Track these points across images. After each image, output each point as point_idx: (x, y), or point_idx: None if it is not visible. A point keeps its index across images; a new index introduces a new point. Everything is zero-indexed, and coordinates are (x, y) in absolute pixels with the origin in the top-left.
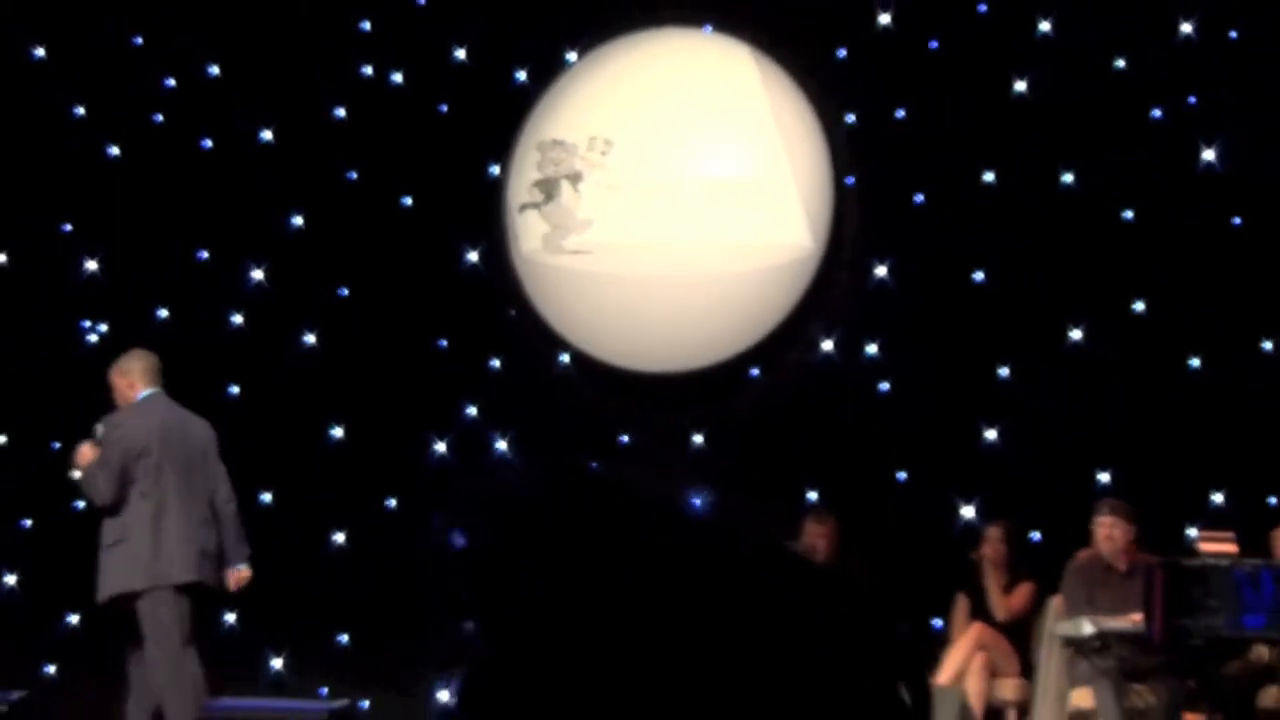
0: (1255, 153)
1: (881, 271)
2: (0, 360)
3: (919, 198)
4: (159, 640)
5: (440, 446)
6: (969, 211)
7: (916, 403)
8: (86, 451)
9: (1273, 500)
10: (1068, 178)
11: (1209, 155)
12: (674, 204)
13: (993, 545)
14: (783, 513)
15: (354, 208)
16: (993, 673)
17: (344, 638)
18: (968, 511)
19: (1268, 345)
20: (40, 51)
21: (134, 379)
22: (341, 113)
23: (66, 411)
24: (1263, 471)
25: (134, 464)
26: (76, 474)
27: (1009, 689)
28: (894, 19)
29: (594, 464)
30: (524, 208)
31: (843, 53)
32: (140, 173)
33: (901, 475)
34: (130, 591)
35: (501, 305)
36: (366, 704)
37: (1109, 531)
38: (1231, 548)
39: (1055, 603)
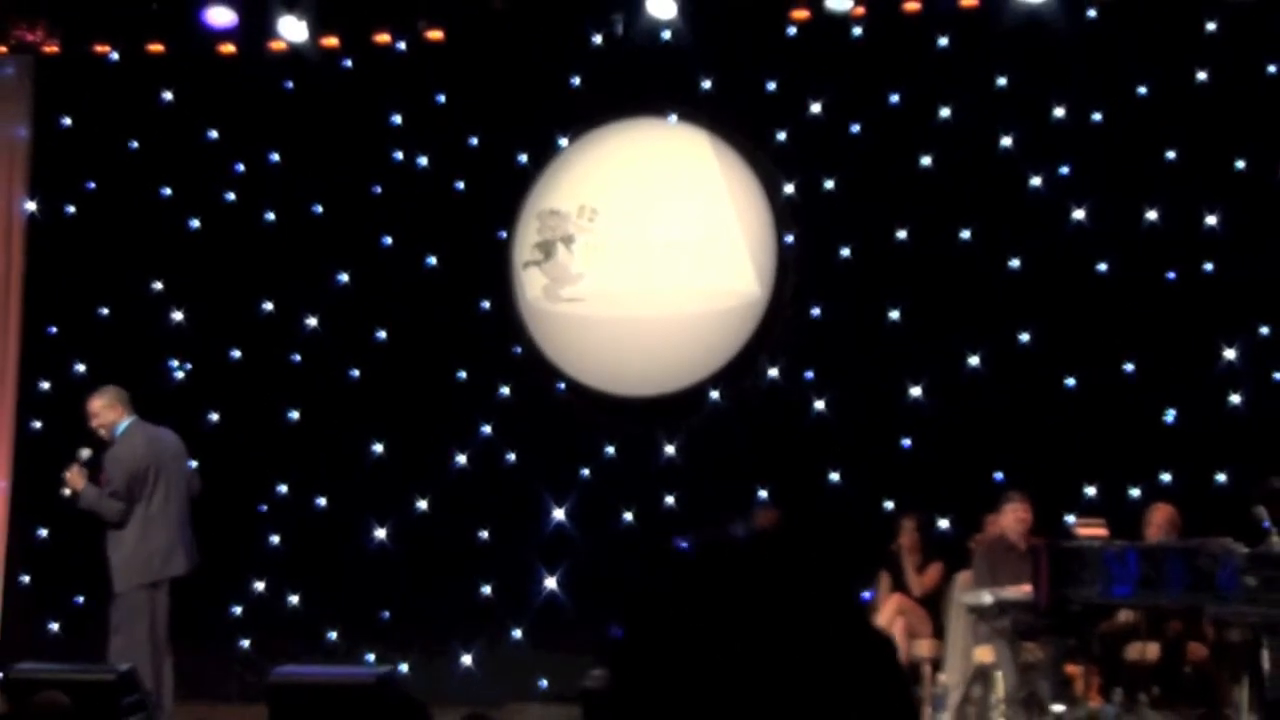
0: (1114, 213)
1: (816, 312)
2: None
3: (844, 252)
4: (144, 623)
5: (461, 459)
6: (885, 263)
7: (845, 417)
8: (76, 475)
9: (1135, 492)
10: (965, 234)
11: (1078, 214)
12: (648, 260)
13: (907, 534)
14: (738, 507)
15: (388, 267)
16: (911, 634)
17: (386, 614)
18: (888, 504)
19: (1129, 367)
20: (135, 144)
21: (121, 409)
22: (378, 190)
23: None
24: (1126, 469)
25: (135, 483)
26: (67, 492)
27: (924, 647)
28: (823, 108)
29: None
30: (527, 265)
31: (781, 136)
32: (216, 241)
33: (834, 476)
34: (142, 584)
35: (510, 344)
36: (405, 667)
37: (1023, 514)
38: (1103, 531)
39: (962, 577)
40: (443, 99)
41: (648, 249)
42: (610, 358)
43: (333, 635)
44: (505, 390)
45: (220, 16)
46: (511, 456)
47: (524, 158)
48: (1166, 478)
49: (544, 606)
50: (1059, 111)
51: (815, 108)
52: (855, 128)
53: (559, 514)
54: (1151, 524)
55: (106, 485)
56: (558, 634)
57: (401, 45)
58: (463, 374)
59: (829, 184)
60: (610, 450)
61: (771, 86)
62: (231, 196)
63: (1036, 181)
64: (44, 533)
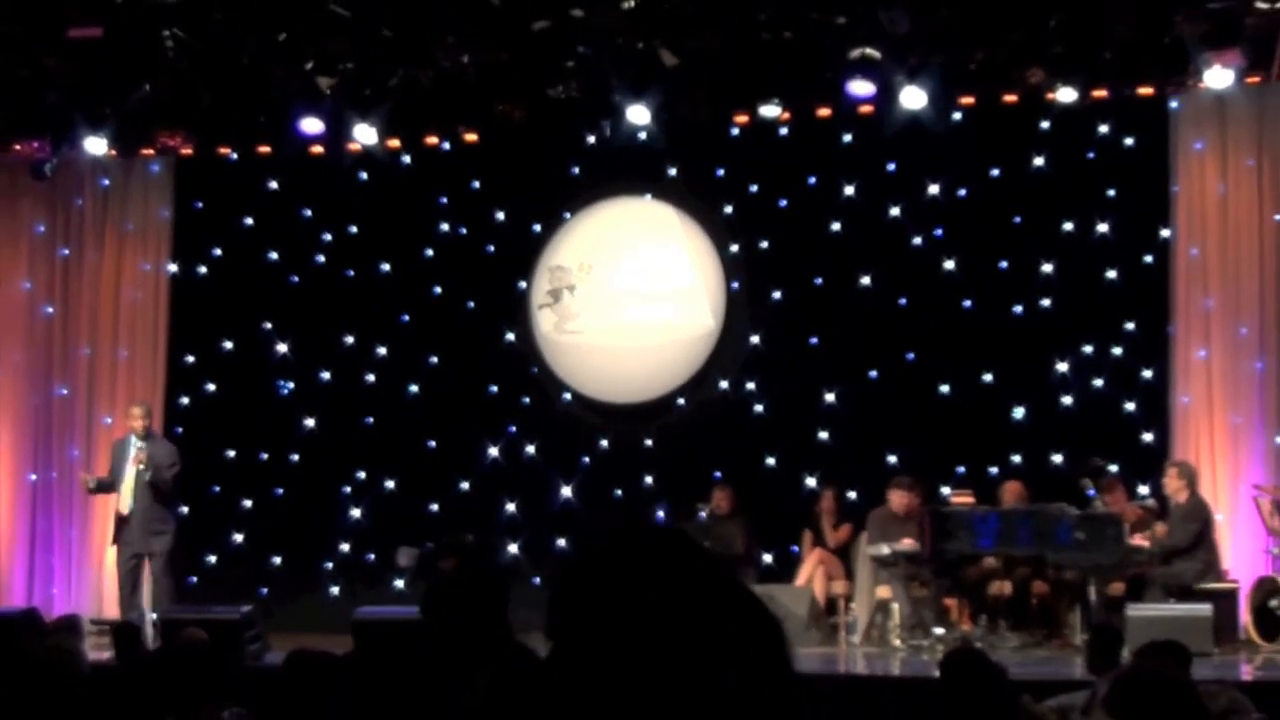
0: (975, 263)
1: (755, 340)
2: (231, 406)
3: (776, 295)
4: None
5: (493, 451)
6: (808, 302)
7: (779, 417)
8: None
9: (993, 470)
10: (865, 280)
11: (949, 265)
12: (630, 303)
13: (825, 502)
14: (699, 487)
15: (438, 309)
16: (829, 577)
17: (447, 565)
18: (810, 481)
19: (987, 377)
20: (249, 220)
21: (151, 418)
22: (429, 252)
23: (267, 435)
24: (987, 453)
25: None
26: (147, 476)
27: (839, 587)
28: (759, 188)
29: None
30: (541, 306)
31: (728, 208)
32: (310, 292)
33: (770, 460)
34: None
35: (528, 365)
36: None
37: (910, 495)
38: (970, 499)
39: (865, 536)
40: (477, 184)
41: (630, 294)
42: (603, 375)
43: (399, 584)
44: (525, 400)
45: (311, 125)
46: (530, 449)
47: (537, 227)
48: (1016, 459)
49: (557, 561)
50: (933, 189)
51: (753, 187)
52: (783, 202)
53: (566, 491)
54: (1004, 497)
55: (170, 468)
56: None
57: (446, 145)
58: (494, 388)
59: (764, 244)
60: (604, 443)
61: (720, 172)
62: (321, 259)
63: (917, 240)
64: (184, 509)
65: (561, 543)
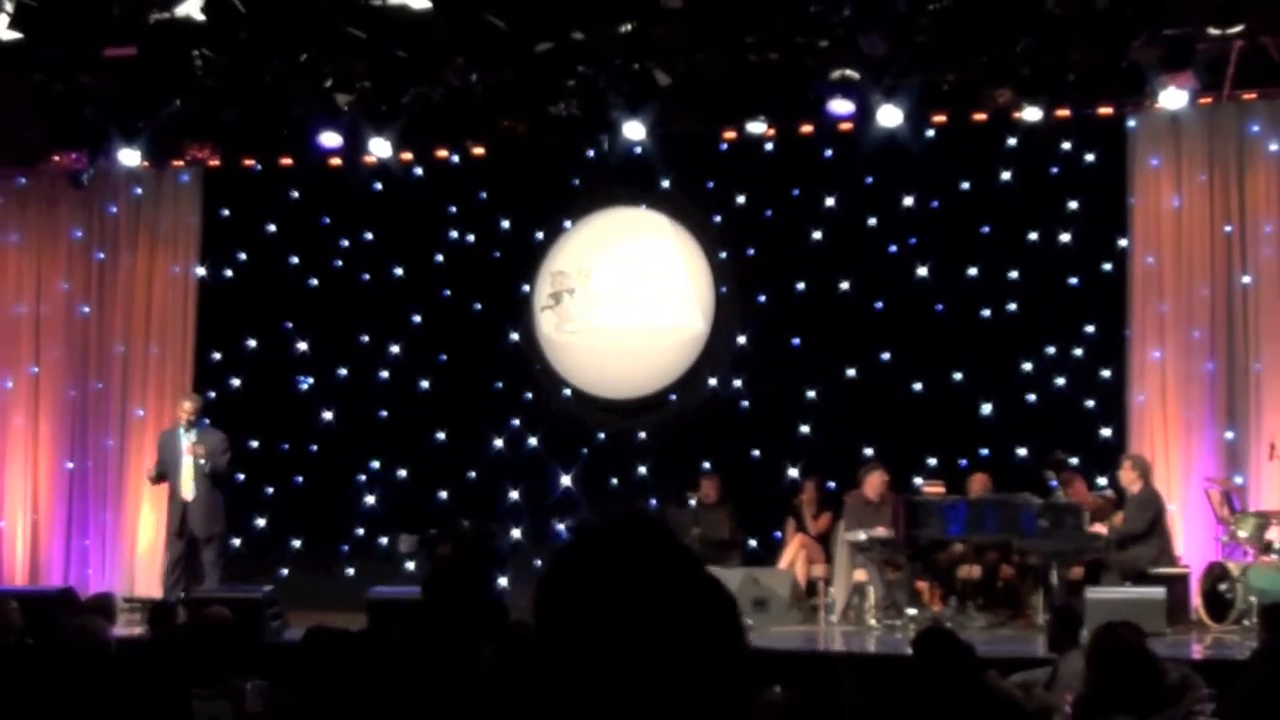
0: (947, 270)
1: (741, 340)
2: (254, 400)
3: (761, 298)
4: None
5: (498, 443)
6: (791, 306)
7: (763, 412)
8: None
9: (963, 462)
10: (844, 285)
11: (922, 271)
12: (625, 306)
13: (807, 492)
14: (688, 477)
15: (447, 311)
16: (810, 561)
17: (445, 550)
18: (793, 472)
19: (957, 375)
20: (272, 227)
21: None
22: (439, 258)
23: (288, 427)
24: (957, 445)
25: None
26: (204, 463)
27: (819, 570)
28: (746, 199)
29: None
30: (543, 308)
31: (718, 218)
32: (328, 293)
33: (755, 452)
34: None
35: (531, 363)
36: None
37: (883, 479)
38: (940, 489)
39: (843, 523)
40: (484, 195)
41: (625, 297)
42: (600, 373)
43: (410, 566)
44: (528, 395)
45: (330, 139)
46: (533, 441)
47: (540, 234)
48: (985, 451)
49: (555, 545)
50: (908, 200)
51: (740, 199)
52: (768, 212)
53: (566, 480)
54: (970, 488)
55: (224, 455)
56: None
57: (455, 158)
58: (499, 384)
59: (750, 251)
60: (601, 436)
61: (710, 184)
62: (339, 263)
63: (893, 248)
64: None
65: (561, 528)
